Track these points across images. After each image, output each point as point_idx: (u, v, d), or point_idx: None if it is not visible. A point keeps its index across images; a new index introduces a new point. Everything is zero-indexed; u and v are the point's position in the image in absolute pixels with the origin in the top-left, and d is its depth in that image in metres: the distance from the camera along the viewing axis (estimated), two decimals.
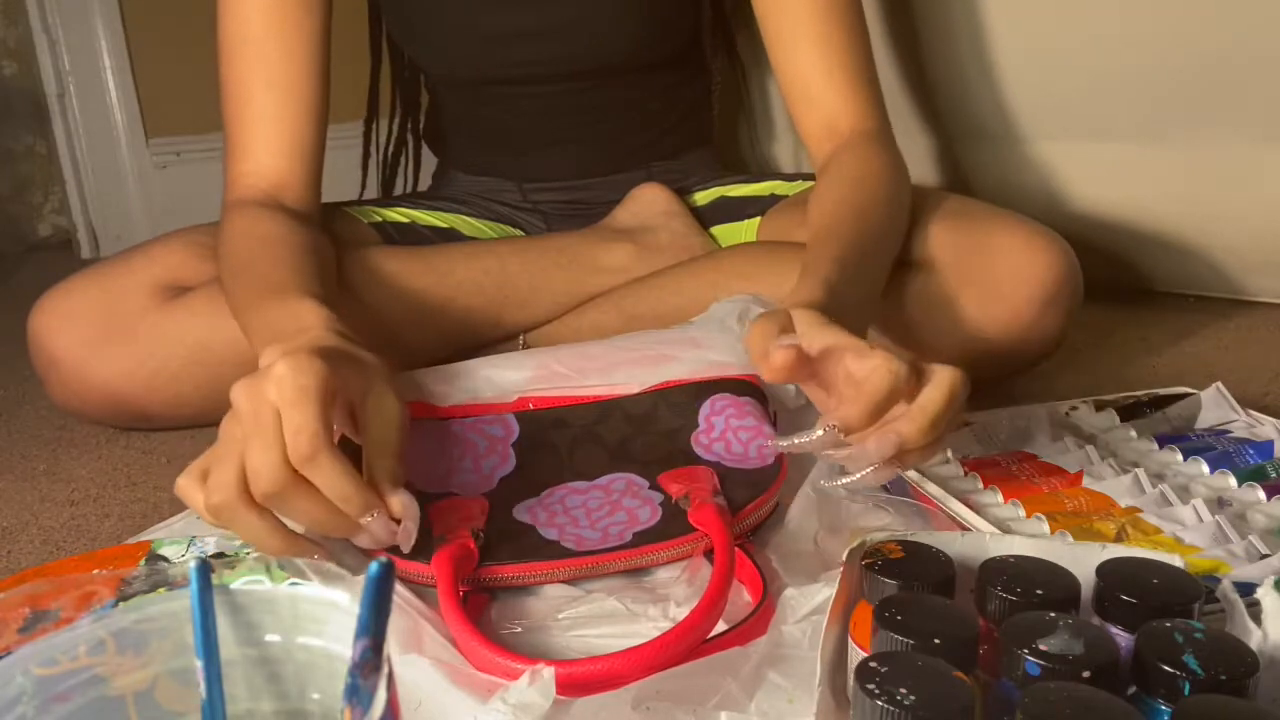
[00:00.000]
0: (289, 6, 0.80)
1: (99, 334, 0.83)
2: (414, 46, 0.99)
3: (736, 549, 0.56)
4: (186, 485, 0.51)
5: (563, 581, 0.57)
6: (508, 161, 1.01)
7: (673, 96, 1.02)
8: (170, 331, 0.83)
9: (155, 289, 0.85)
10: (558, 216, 1.01)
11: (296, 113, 0.81)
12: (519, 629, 0.54)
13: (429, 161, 1.13)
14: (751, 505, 0.61)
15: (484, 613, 0.56)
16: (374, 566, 0.31)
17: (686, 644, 0.49)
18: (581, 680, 0.47)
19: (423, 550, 0.57)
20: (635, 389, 0.69)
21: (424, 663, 0.48)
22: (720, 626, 0.51)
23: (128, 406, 0.85)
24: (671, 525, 0.59)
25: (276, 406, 0.48)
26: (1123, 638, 0.39)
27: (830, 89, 0.82)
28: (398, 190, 1.13)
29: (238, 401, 0.49)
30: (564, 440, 0.67)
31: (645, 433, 0.67)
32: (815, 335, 0.52)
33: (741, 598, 0.56)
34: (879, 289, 0.73)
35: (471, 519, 0.58)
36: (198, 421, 0.89)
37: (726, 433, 0.66)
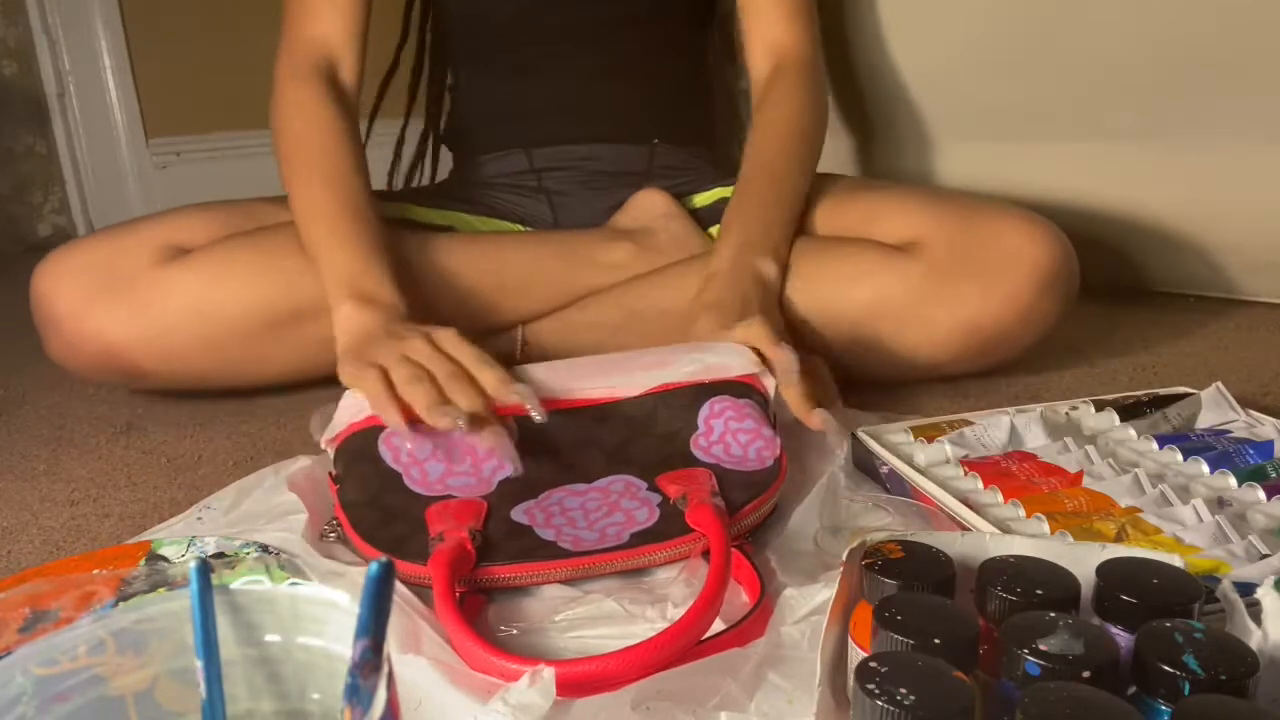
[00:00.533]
0: None
1: (99, 285, 0.86)
2: None
3: (734, 549, 0.56)
4: (357, 374, 0.67)
5: (560, 582, 0.57)
6: (519, 129, 1.04)
7: (675, 79, 1.06)
8: (171, 285, 0.85)
9: (161, 248, 0.87)
10: (562, 195, 1.02)
11: None
12: (515, 630, 0.54)
13: (443, 159, 1.14)
14: (750, 506, 0.61)
15: (480, 614, 0.56)
16: (374, 566, 0.31)
17: (682, 644, 0.49)
18: (574, 680, 0.46)
19: (420, 551, 0.57)
20: (635, 392, 0.69)
21: (423, 663, 0.48)
22: (718, 626, 0.51)
23: (122, 359, 0.87)
24: (669, 526, 0.59)
25: (461, 362, 0.67)
26: (1123, 638, 0.39)
27: (774, 16, 1.00)
28: (414, 183, 1.14)
29: (418, 349, 0.67)
30: (563, 443, 0.66)
31: (644, 435, 0.67)
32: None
33: (740, 598, 0.56)
34: (794, 216, 0.92)
35: (469, 520, 0.58)
36: (195, 382, 0.91)
37: (726, 435, 0.66)
